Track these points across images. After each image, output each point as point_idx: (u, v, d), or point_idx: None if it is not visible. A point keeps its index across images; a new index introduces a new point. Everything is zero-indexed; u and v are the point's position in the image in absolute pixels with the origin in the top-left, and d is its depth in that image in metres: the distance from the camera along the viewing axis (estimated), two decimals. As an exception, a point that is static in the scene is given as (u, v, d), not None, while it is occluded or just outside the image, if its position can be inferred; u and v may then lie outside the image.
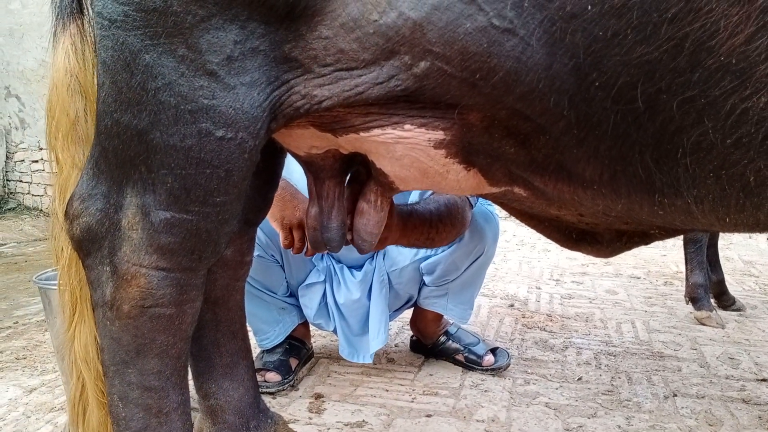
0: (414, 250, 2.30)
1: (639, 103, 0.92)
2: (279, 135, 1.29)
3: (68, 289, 1.27)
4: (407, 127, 1.10)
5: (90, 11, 1.13)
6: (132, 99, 1.04)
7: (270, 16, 1.02)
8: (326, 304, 2.38)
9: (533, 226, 1.43)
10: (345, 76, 1.04)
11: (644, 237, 1.29)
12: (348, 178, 1.44)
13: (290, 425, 1.82)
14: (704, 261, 3.17)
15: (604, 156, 1.01)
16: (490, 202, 2.36)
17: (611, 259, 4.50)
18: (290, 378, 2.28)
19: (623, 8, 0.88)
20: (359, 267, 2.40)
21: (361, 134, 1.14)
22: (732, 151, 0.93)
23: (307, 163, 1.38)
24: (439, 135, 1.11)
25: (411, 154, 1.15)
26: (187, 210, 1.10)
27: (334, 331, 2.40)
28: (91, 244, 1.16)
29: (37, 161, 7.06)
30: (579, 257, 4.63)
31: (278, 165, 1.55)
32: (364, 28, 0.99)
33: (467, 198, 2.04)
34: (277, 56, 1.05)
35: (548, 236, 1.41)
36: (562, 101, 0.96)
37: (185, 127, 1.04)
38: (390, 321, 2.54)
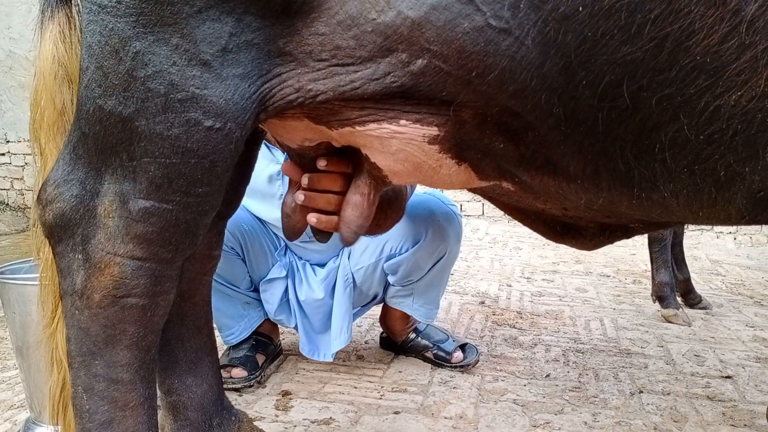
0: (378, 250, 2.29)
1: (622, 101, 0.96)
2: (272, 126, 1.29)
3: (51, 283, 1.24)
4: (402, 122, 1.11)
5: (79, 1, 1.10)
6: (118, 85, 1.02)
7: (266, 10, 1.02)
8: (288, 300, 2.36)
9: (520, 220, 1.45)
10: (340, 71, 1.05)
11: (626, 231, 1.32)
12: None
13: (256, 422, 1.80)
14: (669, 260, 3.21)
15: (588, 151, 1.04)
16: (452, 202, 2.37)
17: (582, 258, 4.54)
18: (257, 374, 2.25)
19: (611, 10, 0.91)
20: (322, 265, 2.38)
21: (357, 128, 1.15)
22: (705, 147, 0.97)
23: (299, 156, 1.38)
24: (434, 131, 1.12)
25: (406, 149, 1.16)
26: (168, 200, 1.08)
27: (296, 328, 2.38)
28: (63, 231, 1.13)
29: (3, 154, 6.91)
30: (550, 256, 4.67)
31: (252, 158, 1.53)
32: (362, 26, 1.00)
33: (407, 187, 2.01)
34: (271, 50, 1.05)
35: (534, 229, 1.44)
36: (552, 99, 0.99)
37: (173, 116, 1.02)
38: (357, 317, 2.53)
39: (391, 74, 1.03)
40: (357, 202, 1.36)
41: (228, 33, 1.01)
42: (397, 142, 1.15)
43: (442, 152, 1.16)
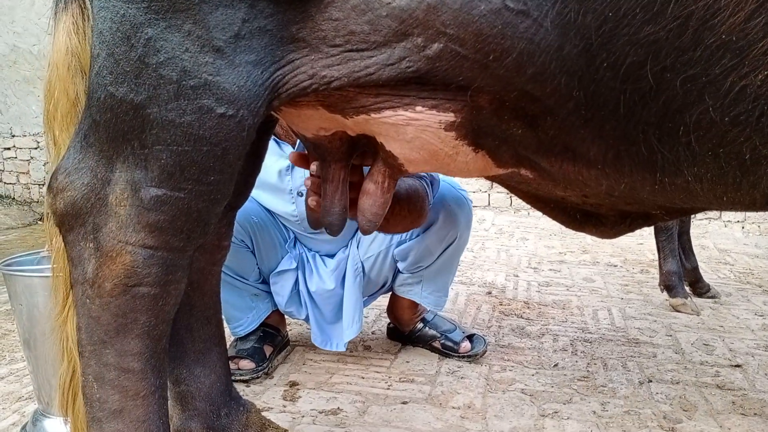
0: (388, 237, 2.28)
1: (645, 82, 0.94)
2: (287, 116, 1.28)
3: (63, 273, 1.24)
4: (418, 108, 1.10)
5: None
6: (130, 72, 1.01)
7: None
8: (298, 291, 2.35)
9: (539, 208, 1.43)
10: (355, 57, 1.04)
11: (647, 218, 1.30)
12: (352, 161, 1.43)
13: (264, 413, 1.80)
14: (676, 248, 3.19)
15: (609, 135, 1.02)
16: (462, 187, 2.35)
17: (588, 248, 4.53)
18: (265, 365, 2.25)
19: None
20: (332, 255, 2.38)
21: (372, 115, 1.14)
22: (730, 129, 0.95)
23: (314, 145, 1.38)
24: (450, 117, 1.11)
25: (422, 136, 1.15)
26: (180, 188, 1.07)
27: (306, 320, 2.38)
28: (74, 220, 1.12)
29: (9, 149, 6.93)
30: (557, 246, 4.65)
31: (263, 148, 1.52)
32: (377, 11, 0.99)
33: (428, 191, 2.01)
34: (285, 36, 1.04)
35: (554, 218, 1.42)
36: (572, 82, 0.97)
37: (186, 103, 1.01)
38: (366, 306, 2.52)
39: (407, 59, 1.02)
40: (371, 190, 1.36)
41: (241, 19, 1.00)
42: (413, 129, 1.13)
43: (458, 139, 1.15)
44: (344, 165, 1.38)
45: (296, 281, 2.35)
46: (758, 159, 0.97)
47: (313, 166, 1.41)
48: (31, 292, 1.76)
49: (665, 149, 1.00)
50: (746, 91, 0.90)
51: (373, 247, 2.31)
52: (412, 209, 1.86)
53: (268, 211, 2.34)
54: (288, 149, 2.22)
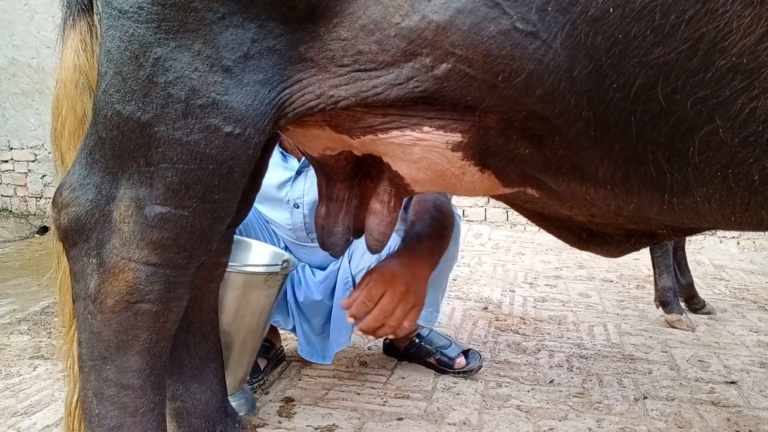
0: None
1: (655, 104, 0.94)
2: (294, 135, 1.29)
3: (70, 292, 1.24)
4: (426, 129, 1.10)
5: (99, 6, 1.11)
6: (137, 91, 1.02)
7: (290, 16, 1.02)
8: (286, 301, 2.35)
9: (544, 227, 1.43)
10: (363, 76, 1.04)
11: (652, 237, 1.30)
12: (358, 180, 1.43)
13: (259, 429, 1.80)
14: (671, 264, 3.20)
15: (618, 155, 1.03)
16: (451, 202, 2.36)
17: (584, 263, 4.54)
18: (259, 378, 2.25)
19: (644, 11, 0.89)
20: (323, 268, 2.38)
21: (379, 135, 1.14)
22: (739, 150, 0.95)
23: (320, 164, 1.38)
24: (457, 137, 1.11)
25: (428, 156, 1.15)
26: (184, 206, 1.08)
27: (293, 330, 2.37)
28: (78, 235, 1.13)
29: (6, 161, 6.92)
30: (553, 261, 4.66)
31: (263, 166, 1.52)
32: (385, 31, 1.00)
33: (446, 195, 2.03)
34: (293, 56, 1.05)
35: (559, 236, 1.42)
36: (581, 102, 0.97)
37: (193, 122, 1.02)
38: (358, 322, 2.52)
39: (415, 79, 1.02)
40: (378, 210, 1.36)
41: (250, 39, 1.01)
42: (420, 149, 1.14)
43: (465, 159, 1.15)
44: (349, 185, 1.39)
45: (285, 291, 2.35)
46: (767, 180, 0.97)
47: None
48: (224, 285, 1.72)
49: (674, 169, 1.00)
50: (756, 112, 0.91)
51: (364, 260, 2.30)
52: (450, 227, 1.93)
53: (262, 218, 2.35)
54: (293, 162, 2.24)
